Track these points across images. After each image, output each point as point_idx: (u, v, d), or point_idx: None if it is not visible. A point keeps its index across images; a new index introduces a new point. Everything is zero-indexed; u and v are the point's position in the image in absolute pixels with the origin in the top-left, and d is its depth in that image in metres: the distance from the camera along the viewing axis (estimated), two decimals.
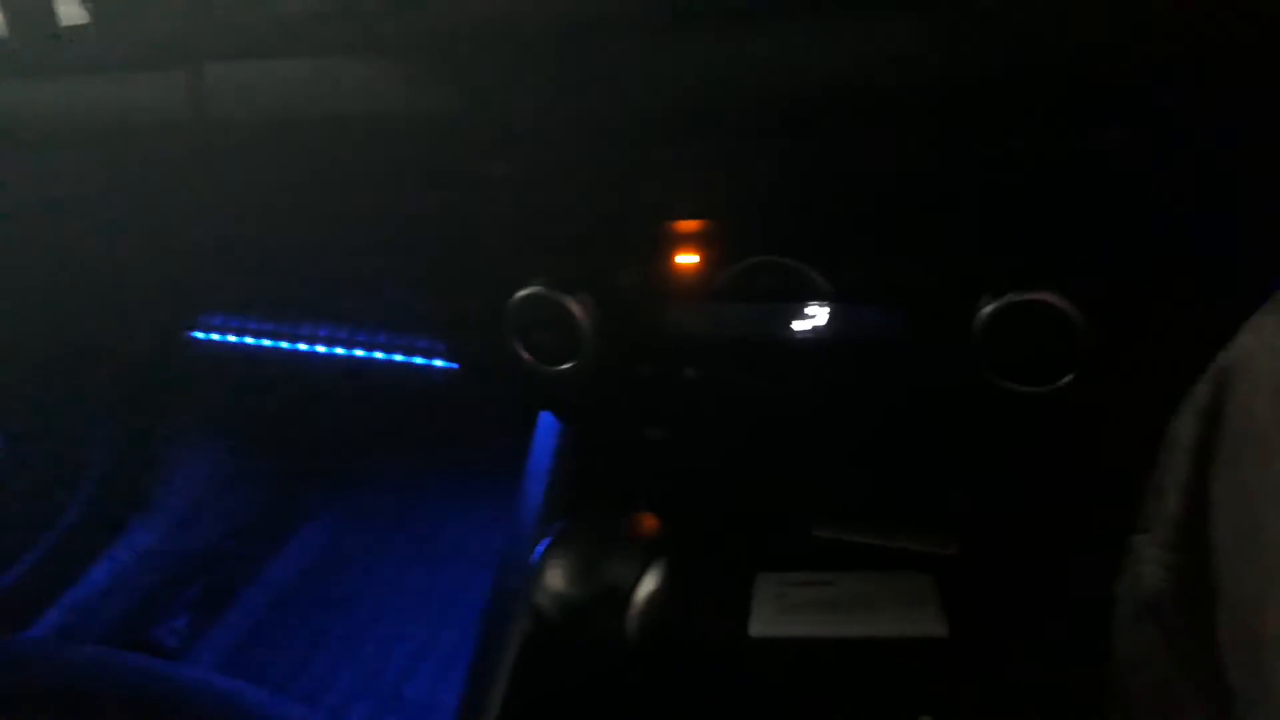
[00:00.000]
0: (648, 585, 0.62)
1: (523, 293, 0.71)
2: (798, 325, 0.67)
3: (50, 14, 0.69)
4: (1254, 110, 0.52)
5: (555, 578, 0.62)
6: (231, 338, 1.37)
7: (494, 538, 1.40)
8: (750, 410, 0.74)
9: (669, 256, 0.69)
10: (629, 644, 0.61)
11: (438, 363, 1.21)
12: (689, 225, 0.67)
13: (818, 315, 0.66)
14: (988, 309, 0.59)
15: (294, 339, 1.30)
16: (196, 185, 0.91)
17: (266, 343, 1.32)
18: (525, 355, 0.74)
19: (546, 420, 0.93)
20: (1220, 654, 0.44)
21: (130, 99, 0.77)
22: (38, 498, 1.53)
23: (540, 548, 0.65)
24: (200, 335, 1.40)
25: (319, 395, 1.48)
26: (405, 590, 1.48)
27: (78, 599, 1.50)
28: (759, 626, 0.74)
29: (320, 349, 1.29)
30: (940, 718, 0.66)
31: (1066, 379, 0.59)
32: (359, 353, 1.27)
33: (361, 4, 0.64)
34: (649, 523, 0.67)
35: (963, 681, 0.68)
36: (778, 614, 0.75)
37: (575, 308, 0.70)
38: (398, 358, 1.25)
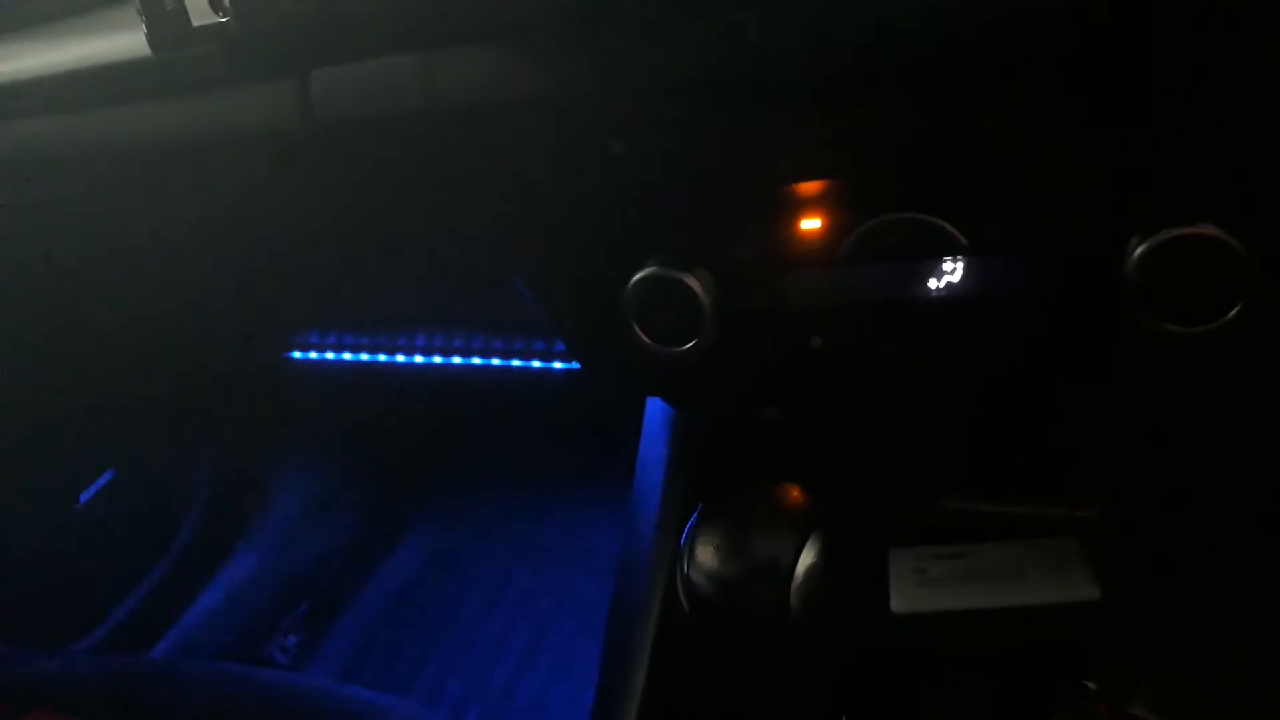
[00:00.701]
0: (807, 558, 0.60)
1: (640, 274, 0.70)
2: (933, 284, 0.65)
3: (185, 19, 0.70)
4: None
5: (708, 556, 0.60)
6: (329, 355, 1.38)
7: (596, 538, 1.40)
8: (880, 379, 0.72)
9: (790, 223, 0.67)
10: (790, 620, 0.59)
11: (536, 363, 1.21)
12: (809, 187, 0.66)
13: (954, 272, 0.64)
14: (1140, 248, 0.56)
15: (391, 351, 1.31)
16: (295, 199, 0.93)
17: (364, 357, 1.34)
18: (644, 339, 0.73)
19: (655, 413, 0.92)
20: None
21: (237, 112, 0.78)
22: (148, 526, 1.57)
23: (686, 530, 0.63)
24: (298, 355, 1.43)
25: (418, 406, 1.49)
26: (510, 594, 1.48)
27: (191, 623, 1.53)
28: (900, 602, 0.72)
29: (419, 359, 1.30)
30: (1102, 682, 0.64)
31: (1232, 315, 0.56)
32: (457, 360, 1.28)
33: None
34: (798, 495, 0.65)
35: (1122, 644, 0.65)
36: (918, 589, 0.73)
37: (694, 285, 0.69)
38: (496, 361, 1.25)
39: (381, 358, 1.33)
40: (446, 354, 1.30)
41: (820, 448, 0.81)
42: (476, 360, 1.27)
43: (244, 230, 1.06)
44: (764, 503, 0.64)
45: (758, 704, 0.68)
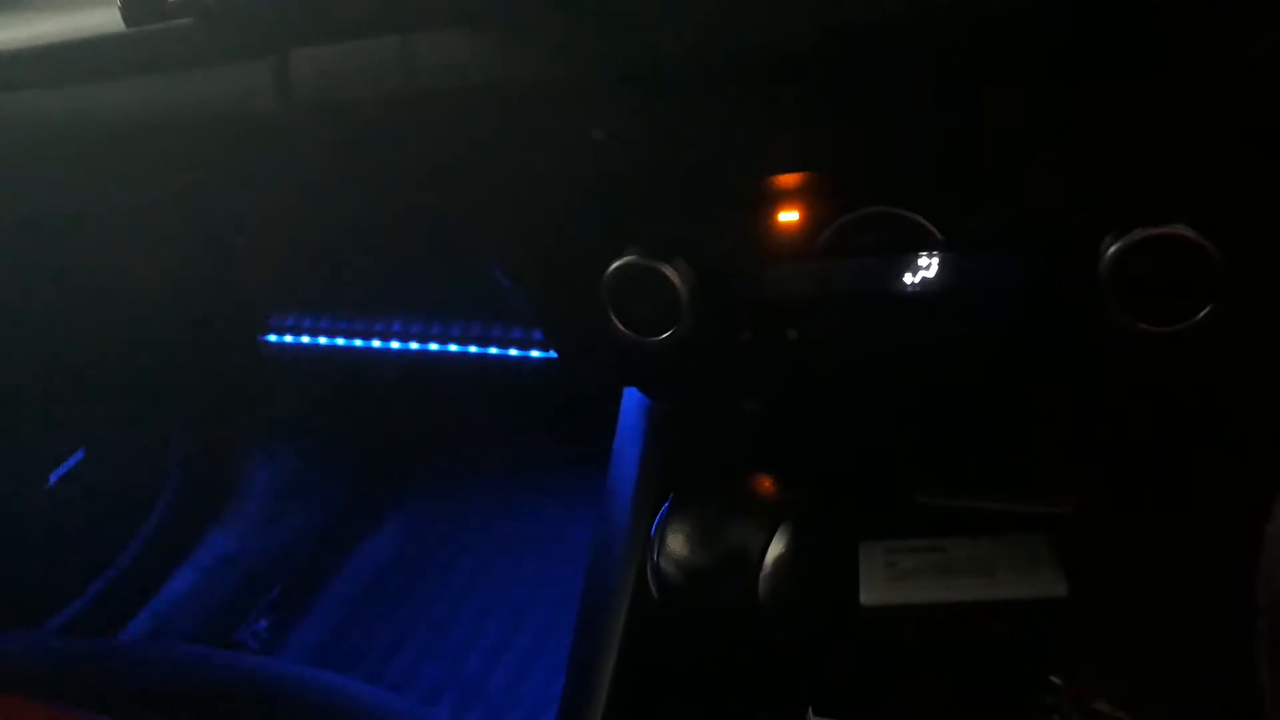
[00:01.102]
0: (776, 548, 0.60)
1: (617, 262, 0.70)
2: (909, 278, 0.65)
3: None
4: None
5: (679, 544, 0.60)
6: (305, 339, 1.37)
7: (573, 529, 1.40)
8: (855, 371, 0.72)
9: (769, 214, 0.67)
10: (758, 608, 0.60)
11: (514, 351, 1.21)
12: (788, 180, 0.66)
13: (929, 267, 0.64)
14: (1113, 247, 0.57)
15: (368, 336, 1.30)
16: (271, 181, 0.92)
17: (340, 342, 1.33)
18: (621, 328, 0.73)
19: (631, 403, 0.92)
20: None
21: (214, 90, 0.77)
22: (119, 507, 1.55)
23: (658, 519, 0.64)
24: (273, 338, 1.41)
25: (395, 392, 1.49)
26: (485, 582, 1.48)
27: (161, 605, 1.52)
28: (870, 595, 0.73)
29: (395, 345, 1.29)
30: (1068, 678, 0.64)
31: (1202, 315, 0.56)
32: (434, 346, 1.27)
33: None
34: (769, 486, 0.65)
35: (1088, 641, 0.66)
36: (888, 582, 0.74)
37: (672, 274, 0.69)
38: (469, 348, 1.25)
39: (359, 343, 1.32)
40: (424, 340, 1.29)
41: (795, 440, 0.82)
42: (454, 347, 1.27)
43: (220, 211, 1.05)
44: (735, 492, 0.64)
45: (725, 693, 0.69)
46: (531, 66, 0.63)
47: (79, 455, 1.50)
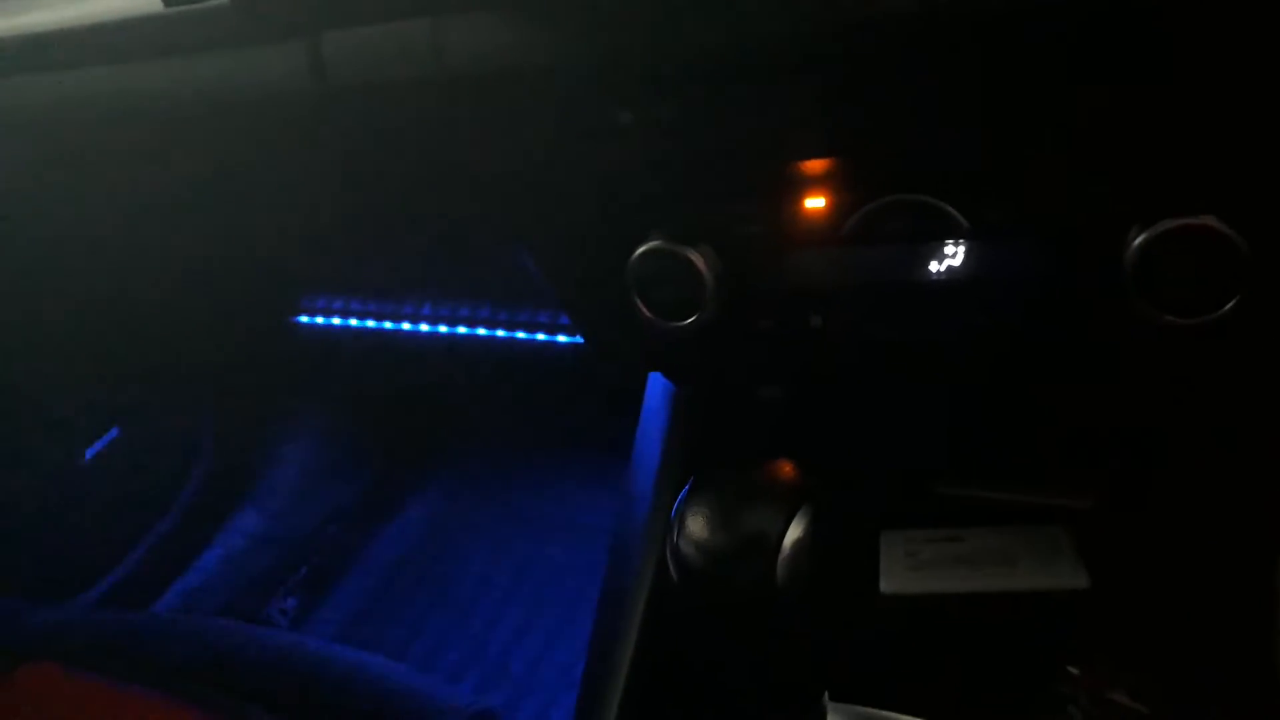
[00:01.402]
0: (794, 532, 0.61)
1: (643, 247, 0.70)
2: (934, 267, 0.65)
3: None
4: None
5: (698, 526, 0.61)
6: (336, 320, 1.39)
7: (597, 513, 1.40)
8: (878, 360, 0.72)
9: (794, 201, 0.67)
10: (776, 593, 0.60)
11: (541, 336, 1.22)
12: (813, 166, 0.66)
13: (955, 255, 0.64)
14: (1139, 238, 0.56)
15: (397, 318, 1.32)
16: (305, 163, 0.93)
17: (370, 324, 1.35)
18: (646, 312, 0.73)
19: (655, 388, 0.93)
20: None
21: (249, 73, 0.79)
22: (152, 484, 1.58)
23: (678, 501, 0.64)
24: (304, 319, 1.43)
25: (423, 374, 1.50)
26: (510, 565, 1.49)
27: (190, 584, 1.55)
28: (889, 583, 0.73)
29: (424, 327, 1.30)
30: (1085, 669, 0.64)
31: (1229, 307, 0.56)
32: (462, 330, 1.28)
33: None
34: (789, 471, 0.65)
35: (1106, 633, 0.66)
36: (908, 571, 0.74)
37: (697, 260, 0.69)
38: (497, 332, 1.26)
39: (388, 325, 1.33)
40: (453, 323, 1.30)
41: (818, 427, 0.82)
42: (482, 331, 1.28)
43: (253, 192, 1.06)
44: (755, 477, 0.64)
45: (743, 677, 0.69)
46: (560, 52, 0.64)
47: (113, 433, 1.53)
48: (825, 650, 0.67)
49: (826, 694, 0.63)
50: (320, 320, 1.40)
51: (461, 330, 1.30)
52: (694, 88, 0.63)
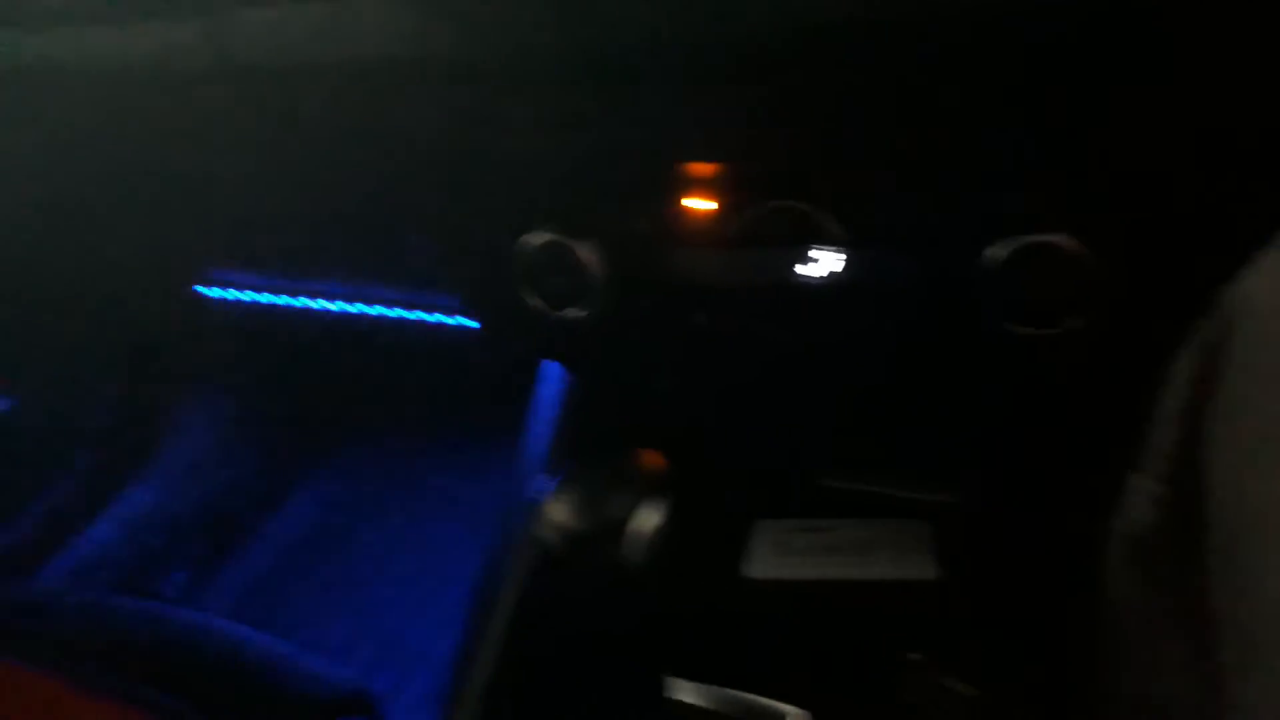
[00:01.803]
0: (645, 517, 0.63)
1: (532, 238, 0.72)
2: (812, 271, 0.68)
3: None
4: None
5: (558, 511, 0.64)
6: (239, 295, 1.37)
7: (494, 493, 1.42)
8: (759, 358, 0.75)
9: (681, 201, 0.69)
10: (628, 573, 0.63)
11: (436, 318, 1.22)
12: (701, 169, 0.68)
13: (829, 261, 0.67)
14: (997, 252, 0.60)
15: (300, 294, 1.30)
16: (208, 137, 0.92)
17: (274, 299, 1.33)
18: (535, 303, 0.75)
19: (550, 374, 0.94)
20: (1206, 598, 0.43)
21: (150, 48, 0.78)
22: (43, 453, 1.54)
23: (548, 488, 0.66)
24: (207, 291, 1.41)
25: (324, 352, 1.49)
26: (407, 544, 1.50)
27: (80, 554, 1.52)
28: (755, 568, 0.76)
29: (328, 306, 1.29)
30: (930, 656, 0.68)
31: (1079, 320, 0.60)
32: (361, 308, 1.28)
33: None
34: (651, 460, 0.68)
35: (950, 621, 0.70)
36: (774, 557, 0.77)
37: (585, 254, 0.71)
38: (398, 313, 1.26)
39: (292, 300, 1.32)
40: (355, 301, 1.30)
41: (708, 421, 0.85)
42: (383, 310, 1.27)
43: (153, 162, 1.05)
44: (620, 466, 0.67)
45: (601, 656, 0.71)
46: (457, 45, 0.65)
47: (6, 404, 1.49)
48: (682, 631, 0.70)
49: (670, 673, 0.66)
50: (223, 295, 1.38)
51: (365, 309, 1.30)
52: (585, 87, 0.65)
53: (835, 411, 0.80)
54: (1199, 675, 0.45)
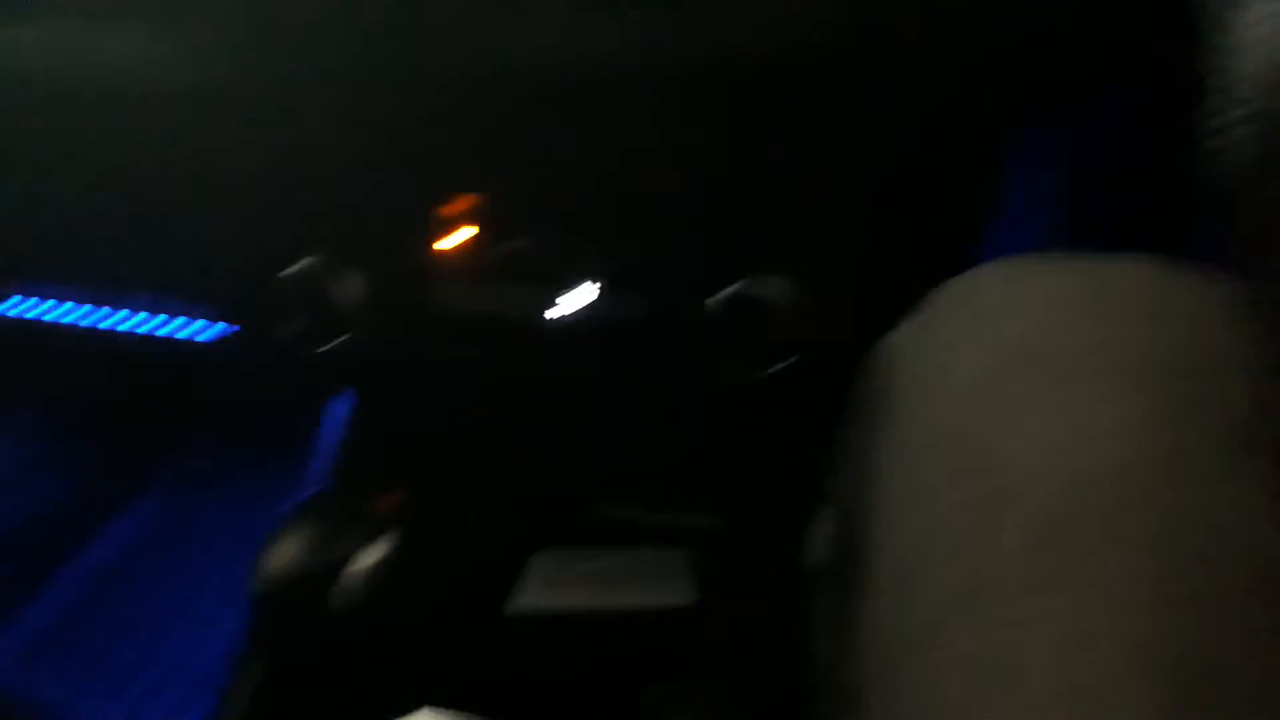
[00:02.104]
0: (368, 556, 0.63)
1: (291, 269, 0.72)
2: (556, 307, 0.69)
3: None
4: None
5: (269, 558, 0.63)
6: (39, 314, 1.32)
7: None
8: (518, 390, 0.76)
9: (437, 235, 0.70)
10: (346, 618, 0.63)
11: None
12: (457, 204, 0.69)
13: (581, 296, 0.68)
14: (718, 298, 0.63)
15: (108, 306, 1.26)
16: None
17: (72, 318, 1.28)
18: (294, 332, 0.74)
19: (335, 402, 0.94)
20: (858, 634, 0.42)
21: None
22: None
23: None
24: (11, 309, 1.35)
25: (144, 369, 1.44)
26: (221, 575, 1.45)
27: None
28: (516, 602, 0.77)
29: (141, 321, 1.25)
30: (667, 684, 0.70)
31: (789, 363, 0.63)
32: (182, 323, 1.24)
33: None
34: (384, 499, 0.68)
35: (696, 649, 0.72)
36: (540, 589, 0.78)
37: (345, 283, 0.71)
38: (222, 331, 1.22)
39: (95, 321, 1.27)
40: (171, 315, 1.26)
41: (476, 450, 0.85)
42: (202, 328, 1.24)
43: None
44: (353, 502, 0.67)
45: (352, 691, 0.71)
46: (184, 72, 0.64)
47: None
48: (432, 667, 0.70)
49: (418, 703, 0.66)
50: (18, 314, 1.32)
51: (181, 324, 1.26)
52: (350, 113, 0.66)
53: (595, 444, 0.82)
54: None
